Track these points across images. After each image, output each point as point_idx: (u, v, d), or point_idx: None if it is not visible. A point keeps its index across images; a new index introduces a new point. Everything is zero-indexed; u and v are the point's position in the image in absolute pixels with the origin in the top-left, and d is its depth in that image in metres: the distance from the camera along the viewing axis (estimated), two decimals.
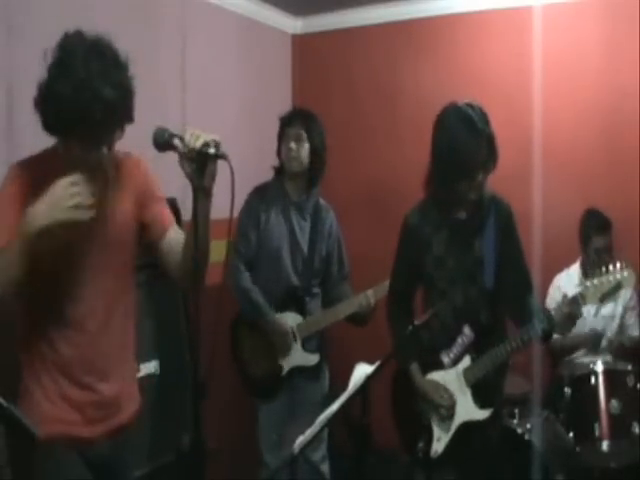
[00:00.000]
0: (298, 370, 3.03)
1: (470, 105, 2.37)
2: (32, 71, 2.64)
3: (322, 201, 3.16)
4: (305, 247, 3.04)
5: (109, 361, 1.89)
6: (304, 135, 2.98)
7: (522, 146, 3.70)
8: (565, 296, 2.35)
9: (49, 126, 1.69)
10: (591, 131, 3.72)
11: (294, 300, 3.03)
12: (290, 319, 3.03)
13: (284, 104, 4.34)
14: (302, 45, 4.53)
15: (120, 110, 1.68)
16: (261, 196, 3.06)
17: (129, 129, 1.80)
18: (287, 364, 3.01)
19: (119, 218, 1.87)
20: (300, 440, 2.01)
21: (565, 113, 3.76)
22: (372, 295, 2.93)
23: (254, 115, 4.08)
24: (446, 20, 4.07)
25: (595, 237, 3.41)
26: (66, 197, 1.59)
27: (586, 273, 3.51)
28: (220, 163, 1.64)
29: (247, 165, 3.94)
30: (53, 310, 1.81)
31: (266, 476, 3.11)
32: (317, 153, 3.01)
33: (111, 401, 1.89)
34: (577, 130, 3.75)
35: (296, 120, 3.02)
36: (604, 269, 2.31)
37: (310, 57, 4.50)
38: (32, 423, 1.71)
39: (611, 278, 2.28)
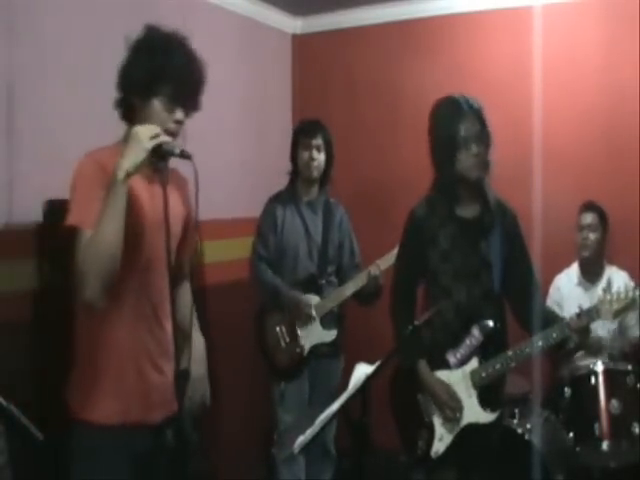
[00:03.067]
0: (319, 351, 3.30)
1: (457, 94, 2.51)
2: (32, 71, 2.66)
3: (331, 199, 3.51)
4: (319, 238, 3.40)
5: None
6: (323, 145, 3.35)
7: (522, 147, 3.71)
8: (581, 309, 2.40)
9: None
10: (591, 132, 3.72)
11: (312, 285, 3.33)
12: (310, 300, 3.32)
13: (284, 104, 4.34)
14: (302, 45, 4.53)
15: None
16: (277, 202, 3.43)
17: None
18: (308, 342, 3.28)
19: None
20: (300, 440, 2.02)
21: (565, 113, 3.76)
22: (379, 264, 3.19)
23: (254, 115, 4.08)
24: (445, 20, 4.07)
25: (582, 214, 3.52)
26: (145, 132, 1.75)
27: (585, 272, 3.53)
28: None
29: (247, 164, 3.96)
30: None
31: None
32: (330, 160, 3.40)
33: None
34: (577, 131, 3.75)
35: (317, 132, 3.36)
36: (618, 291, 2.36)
37: (310, 57, 4.51)
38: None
39: (622, 296, 2.34)
